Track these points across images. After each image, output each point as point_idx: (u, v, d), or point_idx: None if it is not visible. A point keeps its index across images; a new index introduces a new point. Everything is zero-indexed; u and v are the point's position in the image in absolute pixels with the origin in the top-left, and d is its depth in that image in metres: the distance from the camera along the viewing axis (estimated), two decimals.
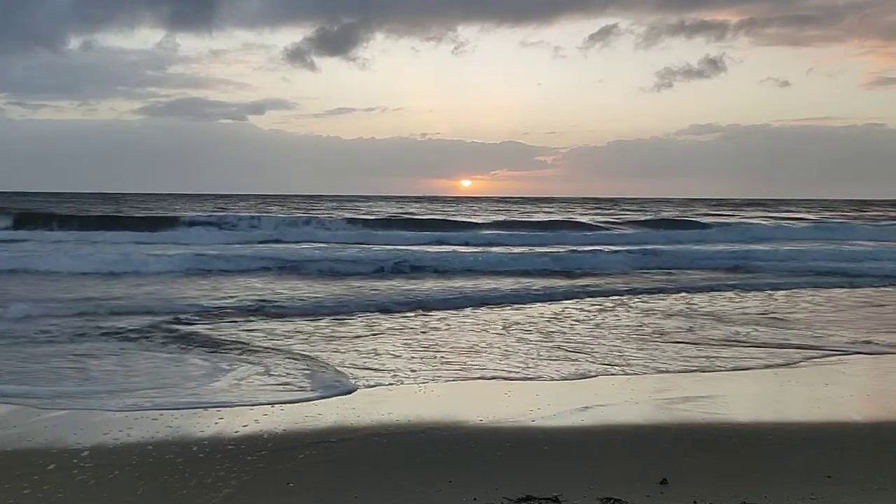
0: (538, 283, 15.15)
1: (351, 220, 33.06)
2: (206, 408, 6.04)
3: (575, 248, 22.22)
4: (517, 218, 41.14)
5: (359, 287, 14.10)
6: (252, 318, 10.48)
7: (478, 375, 7.37)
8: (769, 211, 56.05)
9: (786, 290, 14.69)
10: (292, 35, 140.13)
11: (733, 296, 13.77)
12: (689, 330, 9.97)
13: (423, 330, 9.83)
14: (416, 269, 17.43)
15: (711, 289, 14.68)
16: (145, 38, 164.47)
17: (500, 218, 40.76)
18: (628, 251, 21.09)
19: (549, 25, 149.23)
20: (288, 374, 7.22)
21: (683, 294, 13.90)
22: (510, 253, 20.91)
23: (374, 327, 9.92)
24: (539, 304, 12.31)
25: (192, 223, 29.12)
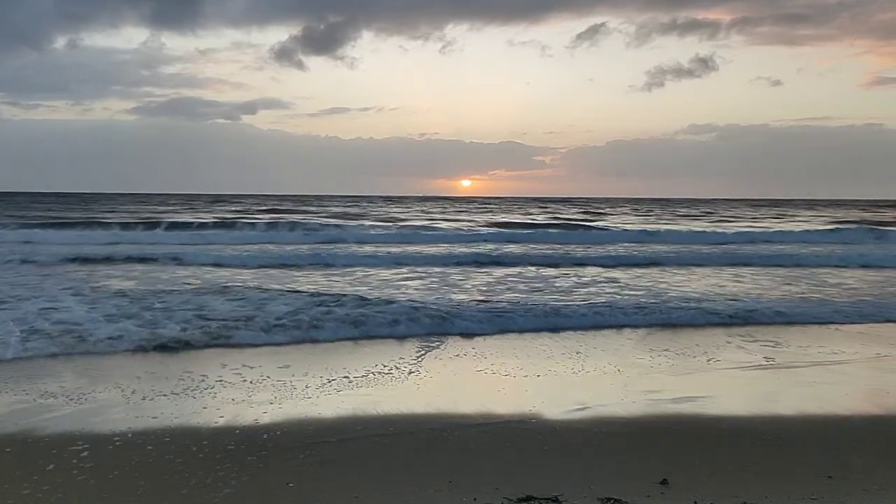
0: None
1: None
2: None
3: None
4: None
5: None
6: None
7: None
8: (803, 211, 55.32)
9: None
10: (278, 34, 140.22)
11: None
12: None
13: None
14: None
15: None
16: (129, 36, 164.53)
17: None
18: None
19: (539, 24, 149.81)
20: None
21: None
22: None
23: None
24: None
25: None
